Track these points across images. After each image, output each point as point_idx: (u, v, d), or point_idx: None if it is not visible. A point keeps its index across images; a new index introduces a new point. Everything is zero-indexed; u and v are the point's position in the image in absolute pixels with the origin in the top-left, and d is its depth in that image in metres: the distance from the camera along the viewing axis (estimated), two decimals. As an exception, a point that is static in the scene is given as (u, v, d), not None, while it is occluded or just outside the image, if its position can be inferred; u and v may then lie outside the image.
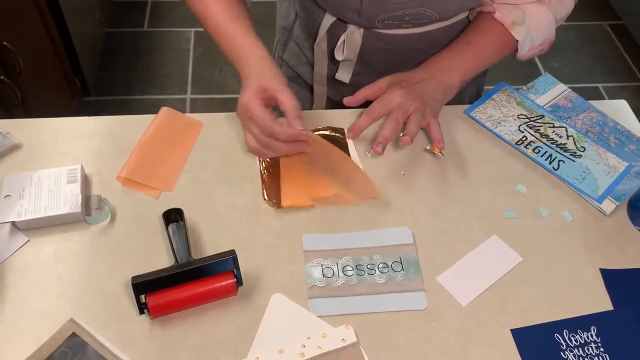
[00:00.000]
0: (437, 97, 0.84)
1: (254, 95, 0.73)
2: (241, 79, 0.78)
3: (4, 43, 1.41)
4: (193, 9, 0.83)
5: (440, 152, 0.81)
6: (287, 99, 0.73)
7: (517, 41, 0.87)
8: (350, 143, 0.86)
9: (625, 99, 0.98)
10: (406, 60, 0.93)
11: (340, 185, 0.79)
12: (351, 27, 0.88)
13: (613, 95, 2.35)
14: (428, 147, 0.83)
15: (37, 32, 1.66)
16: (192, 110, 1.96)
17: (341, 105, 1.04)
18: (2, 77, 1.43)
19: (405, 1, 0.80)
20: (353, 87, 0.98)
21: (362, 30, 0.87)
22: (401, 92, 0.82)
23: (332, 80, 0.99)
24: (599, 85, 2.40)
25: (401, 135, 0.79)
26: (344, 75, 0.96)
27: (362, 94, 0.86)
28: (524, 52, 0.89)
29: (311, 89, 1.04)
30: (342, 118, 0.90)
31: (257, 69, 0.76)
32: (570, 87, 0.96)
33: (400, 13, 0.82)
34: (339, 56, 0.92)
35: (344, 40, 0.89)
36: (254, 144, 0.76)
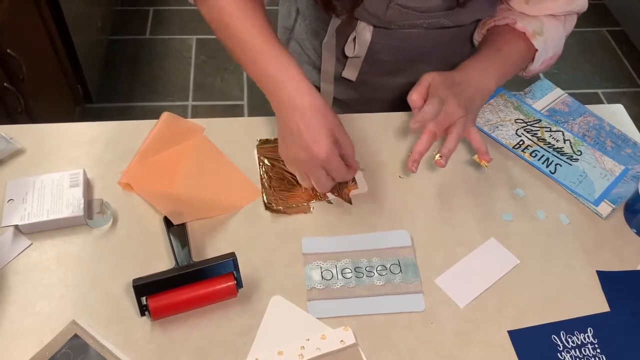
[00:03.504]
0: (476, 103, 0.80)
1: (333, 148, 0.72)
2: (275, 102, 0.74)
3: (8, 51, 1.42)
4: (208, 16, 0.79)
5: (486, 164, 0.78)
6: (348, 144, 0.75)
7: (536, 51, 0.86)
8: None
9: (625, 105, 0.99)
10: (413, 58, 0.94)
11: (219, 189, 0.81)
12: (361, 24, 0.88)
13: (612, 101, 2.36)
14: (474, 158, 0.79)
15: (40, 40, 1.68)
16: (194, 117, 1.97)
17: (346, 105, 1.05)
18: (5, 84, 1.44)
19: (427, 14, 0.82)
20: (359, 85, 0.99)
21: (371, 27, 0.88)
22: (448, 95, 0.76)
23: (338, 79, 1.00)
24: (599, 91, 2.41)
25: (437, 156, 0.76)
26: (350, 73, 0.97)
27: (417, 99, 0.76)
28: (537, 64, 0.88)
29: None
30: (346, 121, 0.91)
31: (311, 104, 0.72)
32: (570, 93, 0.97)
33: (419, 22, 0.84)
34: (349, 52, 0.93)
35: (354, 37, 0.90)
36: (310, 184, 0.77)
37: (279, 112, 0.74)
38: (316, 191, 0.81)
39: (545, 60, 0.89)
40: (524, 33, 0.85)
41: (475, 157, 0.79)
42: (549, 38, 0.86)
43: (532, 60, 0.87)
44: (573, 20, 0.91)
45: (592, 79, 2.45)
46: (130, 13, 2.54)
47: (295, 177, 0.80)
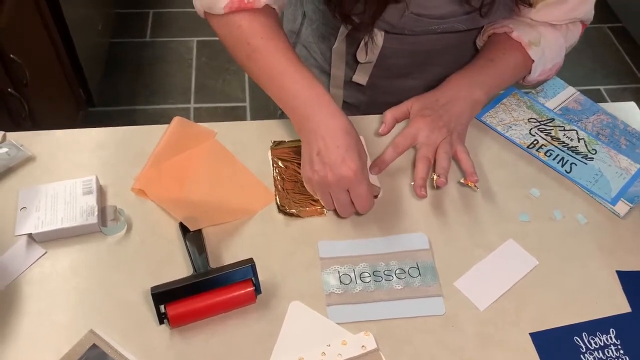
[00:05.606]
0: (464, 118, 0.83)
1: (362, 171, 0.72)
2: (301, 121, 0.75)
3: (11, 56, 1.41)
4: (220, 30, 0.80)
5: (474, 185, 0.79)
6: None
7: (532, 62, 0.86)
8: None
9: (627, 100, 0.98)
10: (424, 60, 0.93)
11: (234, 194, 0.80)
12: (374, 31, 0.87)
13: (615, 97, 2.35)
14: (462, 181, 0.80)
15: (42, 44, 1.67)
16: (196, 120, 1.96)
17: (356, 108, 1.05)
18: (9, 89, 1.43)
19: (442, 20, 0.81)
20: (369, 88, 0.98)
21: (383, 32, 0.87)
22: (425, 122, 0.81)
23: (347, 82, 0.99)
24: (601, 87, 2.41)
25: (435, 176, 0.78)
26: (361, 77, 0.96)
27: (389, 117, 0.84)
28: (535, 75, 0.88)
29: None
30: (357, 123, 0.90)
31: (342, 126, 0.72)
32: (573, 90, 0.97)
33: (434, 27, 0.83)
34: (361, 58, 0.92)
35: (366, 43, 0.89)
36: (332, 207, 0.76)
37: (306, 132, 0.74)
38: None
39: (544, 71, 0.89)
40: (520, 43, 0.85)
41: (462, 179, 0.80)
42: (548, 49, 0.87)
43: (530, 71, 0.87)
44: (577, 30, 0.91)
45: (593, 76, 2.45)
46: (131, 16, 2.53)
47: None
